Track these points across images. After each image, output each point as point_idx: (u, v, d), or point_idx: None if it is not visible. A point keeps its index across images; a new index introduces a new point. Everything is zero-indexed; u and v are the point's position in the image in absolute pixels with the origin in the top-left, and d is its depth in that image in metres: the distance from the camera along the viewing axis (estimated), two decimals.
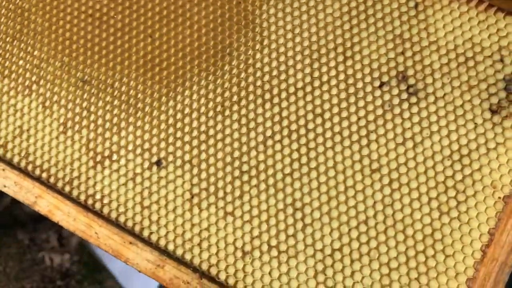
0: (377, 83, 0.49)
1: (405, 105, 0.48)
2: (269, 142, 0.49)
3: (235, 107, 0.50)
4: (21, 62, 0.54)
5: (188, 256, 0.47)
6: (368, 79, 0.49)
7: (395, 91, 0.48)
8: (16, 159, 0.52)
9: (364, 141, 0.47)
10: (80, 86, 0.53)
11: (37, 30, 0.55)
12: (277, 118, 0.49)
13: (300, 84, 0.50)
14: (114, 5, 0.54)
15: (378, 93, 0.48)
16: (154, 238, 0.48)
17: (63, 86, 0.53)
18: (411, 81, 0.48)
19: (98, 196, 0.49)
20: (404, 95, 0.48)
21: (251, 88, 0.50)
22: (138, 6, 0.54)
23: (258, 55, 0.51)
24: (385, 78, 0.49)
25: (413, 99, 0.48)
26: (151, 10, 0.53)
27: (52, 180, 0.51)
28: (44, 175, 0.51)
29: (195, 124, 0.50)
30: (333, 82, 0.49)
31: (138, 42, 0.53)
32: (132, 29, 0.53)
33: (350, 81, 0.49)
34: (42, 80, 0.53)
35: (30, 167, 0.51)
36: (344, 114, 0.48)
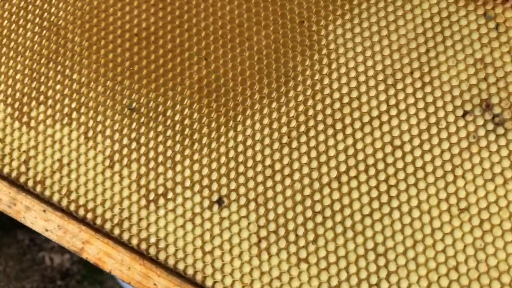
0: (459, 112, 0.44)
1: (492, 137, 0.44)
2: (344, 178, 0.44)
3: (303, 138, 0.45)
4: (58, 86, 0.49)
5: None
6: (449, 107, 0.44)
7: (480, 121, 0.44)
8: (56, 197, 0.46)
9: (449, 177, 0.43)
10: (127, 114, 0.47)
11: (76, 50, 0.49)
12: (351, 151, 0.44)
13: (375, 113, 0.45)
14: (162, 23, 0.49)
15: (461, 123, 0.44)
16: None
17: (108, 114, 0.47)
18: (497, 110, 0.44)
19: (152, 240, 0.44)
20: (490, 126, 0.44)
21: (320, 116, 0.45)
22: (190, 25, 0.49)
23: (326, 80, 0.46)
24: (468, 107, 0.44)
25: (500, 130, 0.44)
26: (204, 29, 0.48)
27: (98, 221, 0.45)
28: (90, 215, 0.46)
29: (259, 157, 0.45)
30: (412, 110, 0.45)
31: (192, 65, 0.48)
32: (184, 51, 0.48)
33: (431, 109, 0.45)
34: (83, 107, 0.48)
35: (72, 207, 0.46)
36: (426, 146, 0.44)
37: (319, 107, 0.46)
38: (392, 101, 0.45)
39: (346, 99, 0.45)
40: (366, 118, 0.45)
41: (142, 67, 0.48)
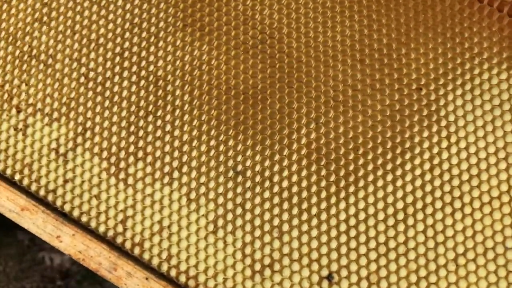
0: None
1: None
2: (461, 260, 0.42)
3: (420, 215, 0.43)
4: (158, 142, 0.46)
5: None
6: None
7: None
8: (155, 261, 0.44)
9: None
10: (232, 177, 0.45)
11: (177, 104, 0.47)
12: (469, 232, 0.43)
13: (495, 193, 0.43)
14: (270, 81, 0.46)
15: None
16: None
17: (212, 176, 0.45)
18: None
19: None
20: None
21: (438, 193, 0.43)
22: (300, 85, 0.46)
23: (445, 154, 0.44)
24: None
25: None
26: (315, 90, 0.46)
27: None
28: (192, 283, 0.44)
29: (372, 233, 0.43)
30: None
31: (300, 128, 0.45)
32: (292, 112, 0.46)
33: None
34: (185, 167, 0.45)
35: (173, 272, 0.44)
36: None
37: (437, 182, 0.44)
38: None
39: (465, 176, 0.44)
40: (485, 198, 0.43)
41: (248, 127, 0.46)
